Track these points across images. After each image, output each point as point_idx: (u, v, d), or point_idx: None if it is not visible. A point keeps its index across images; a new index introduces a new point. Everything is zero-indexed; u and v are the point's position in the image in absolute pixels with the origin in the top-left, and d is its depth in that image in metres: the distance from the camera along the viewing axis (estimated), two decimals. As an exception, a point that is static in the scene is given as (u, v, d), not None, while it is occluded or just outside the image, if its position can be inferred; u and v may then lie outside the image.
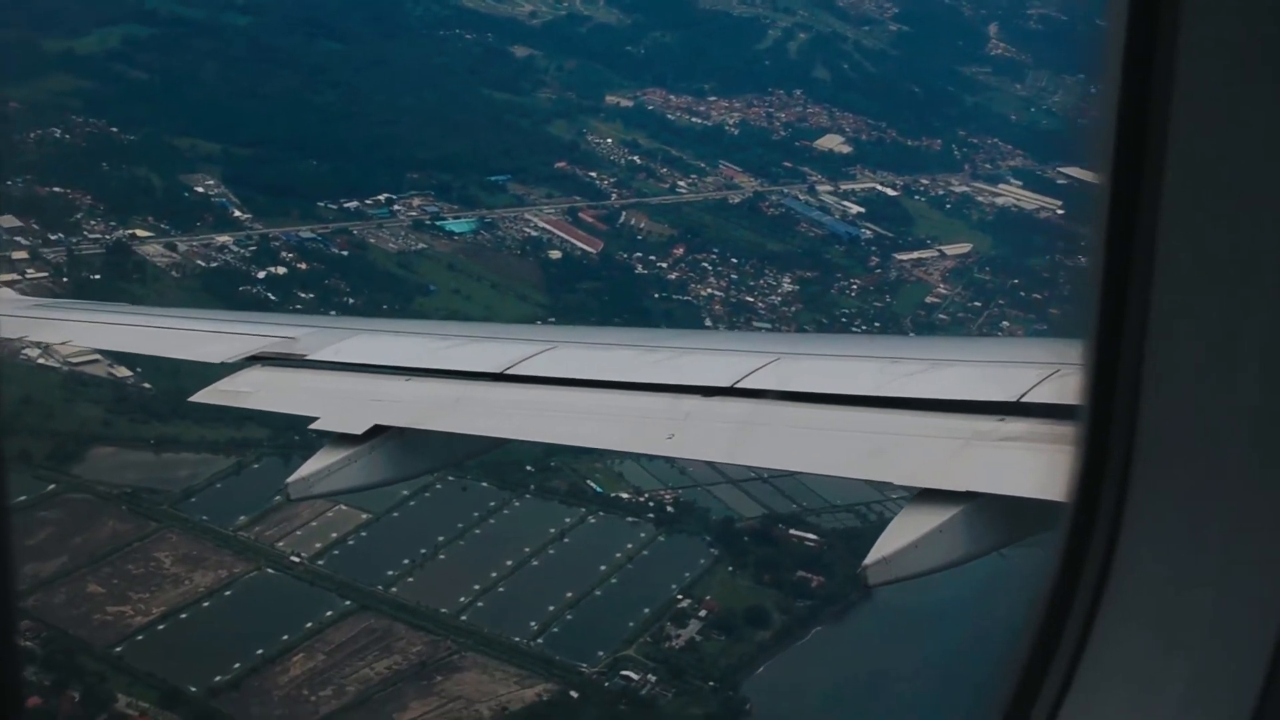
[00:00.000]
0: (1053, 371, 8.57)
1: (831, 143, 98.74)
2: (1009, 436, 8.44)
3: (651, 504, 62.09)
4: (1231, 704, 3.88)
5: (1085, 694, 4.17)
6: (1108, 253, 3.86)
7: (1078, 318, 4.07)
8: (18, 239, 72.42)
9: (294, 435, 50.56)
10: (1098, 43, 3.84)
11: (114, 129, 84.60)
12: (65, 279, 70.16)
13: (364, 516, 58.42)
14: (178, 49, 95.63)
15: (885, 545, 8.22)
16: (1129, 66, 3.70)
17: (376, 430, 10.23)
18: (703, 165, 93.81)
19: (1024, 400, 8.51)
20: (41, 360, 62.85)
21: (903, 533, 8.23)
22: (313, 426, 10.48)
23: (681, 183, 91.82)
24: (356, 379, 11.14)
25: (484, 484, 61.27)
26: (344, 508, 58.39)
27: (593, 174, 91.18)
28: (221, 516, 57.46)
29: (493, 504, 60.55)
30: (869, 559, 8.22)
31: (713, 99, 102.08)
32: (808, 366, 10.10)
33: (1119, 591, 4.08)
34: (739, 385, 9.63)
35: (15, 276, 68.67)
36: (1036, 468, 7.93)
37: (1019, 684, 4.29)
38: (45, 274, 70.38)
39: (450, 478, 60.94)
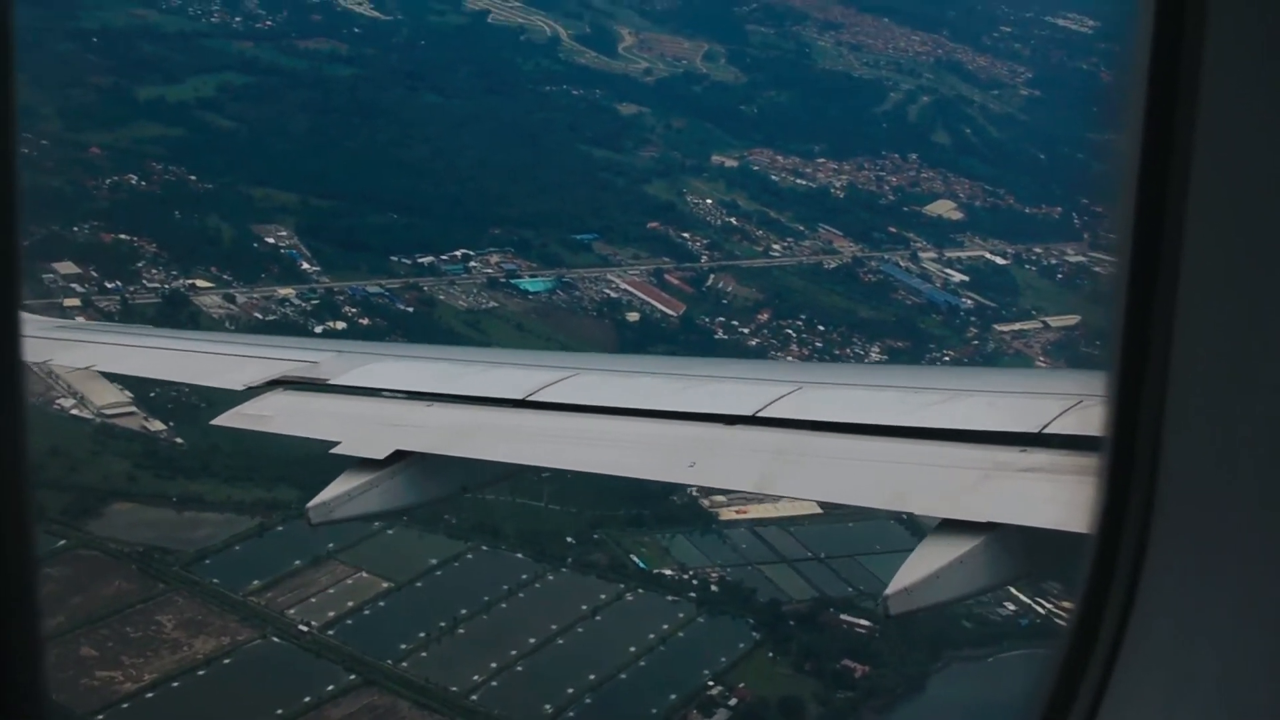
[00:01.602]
0: (1075, 403, 8.45)
1: (942, 208, 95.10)
2: (1031, 468, 8.36)
3: (695, 582, 58.61)
4: None
5: None
6: (1131, 281, 3.87)
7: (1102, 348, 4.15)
8: (73, 285, 71.17)
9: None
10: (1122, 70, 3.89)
11: (192, 177, 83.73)
12: (115, 328, 68.47)
13: (385, 585, 55.75)
14: (271, 99, 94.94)
15: (906, 576, 8.01)
16: (1153, 90, 3.71)
17: (398, 455, 10.09)
18: (801, 228, 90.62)
19: (1046, 431, 8.41)
20: (75, 411, 61.24)
21: (924, 563, 8.06)
22: (334, 451, 10.20)
23: (776, 246, 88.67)
24: (378, 404, 11.03)
25: (519, 555, 58.24)
26: (365, 575, 55.95)
27: (685, 235, 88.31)
28: (234, 580, 54.94)
29: (525, 576, 57.44)
30: (890, 589, 8.01)
31: (821, 160, 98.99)
32: (830, 396, 9.97)
33: (1144, 621, 4.09)
34: (761, 414, 9.57)
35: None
36: (1058, 499, 7.87)
37: (1045, 717, 4.31)
38: (95, 322, 68.68)
39: (484, 548, 58.24)
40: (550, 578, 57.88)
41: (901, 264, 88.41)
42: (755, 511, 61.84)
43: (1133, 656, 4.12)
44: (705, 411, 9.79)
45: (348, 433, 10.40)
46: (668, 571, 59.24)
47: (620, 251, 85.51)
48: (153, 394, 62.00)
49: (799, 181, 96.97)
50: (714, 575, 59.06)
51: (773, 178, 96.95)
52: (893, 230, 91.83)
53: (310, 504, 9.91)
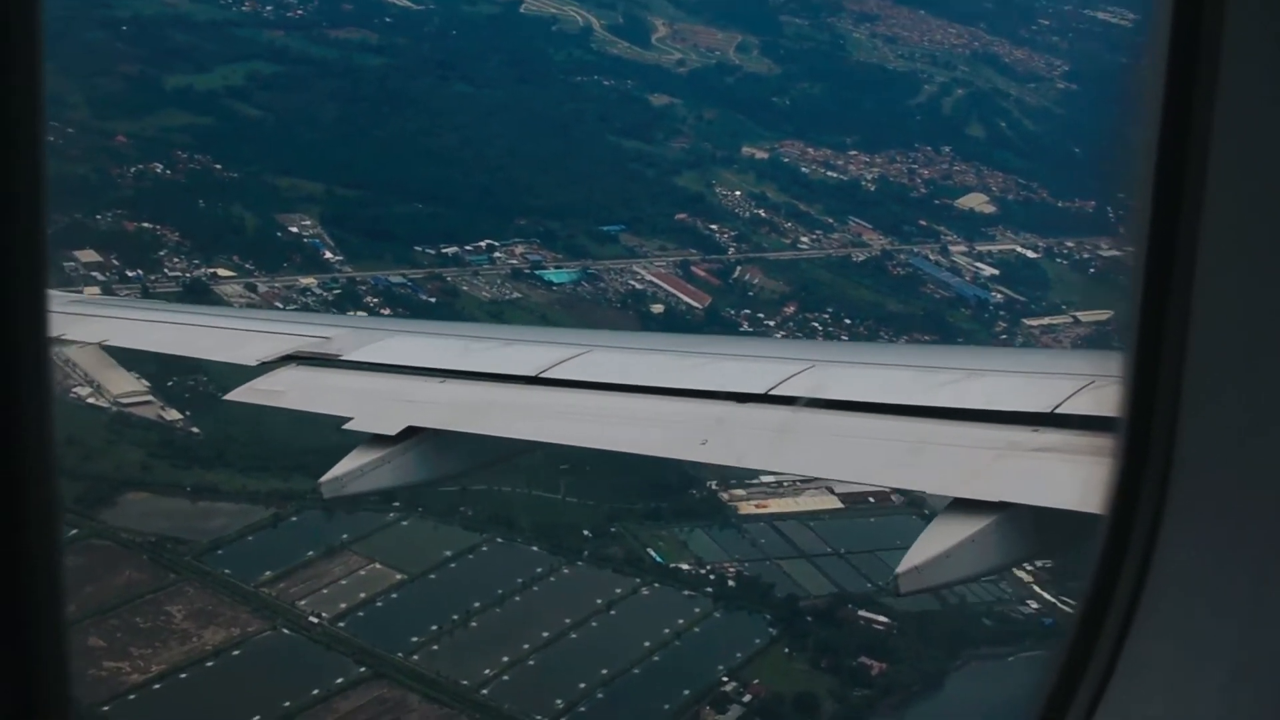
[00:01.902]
0: (1088, 383, 8.58)
1: (974, 201, 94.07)
2: (1043, 447, 8.47)
3: (713, 576, 57.94)
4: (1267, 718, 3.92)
5: (1117, 707, 4.18)
6: (1148, 262, 3.91)
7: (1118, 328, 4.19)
8: (94, 274, 70.74)
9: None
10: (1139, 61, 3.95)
11: (217, 166, 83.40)
12: (134, 316, 68.11)
13: (398, 577, 55.35)
14: (300, 88, 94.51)
15: (917, 554, 8.11)
16: (1172, 75, 3.74)
17: (410, 431, 10.16)
18: (831, 221, 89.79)
19: (1059, 411, 8.51)
20: (91, 399, 60.91)
21: (935, 542, 8.14)
22: (346, 426, 10.30)
23: (805, 238, 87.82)
24: (391, 380, 11.10)
25: (534, 548, 57.69)
26: (378, 566, 55.53)
27: (713, 227, 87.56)
28: (247, 571, 54.54)
29: (539, 570, 56.88)
30: (901, 568, 8.11)
31: (853, 153, 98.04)
32: (843, 374, 10.01)
33: (1154, 603, 4.11)
34: (773, 392, 9.63)
35: (82, 312, 66.79)
36: (1070, 479, 7.91)
37: (1052, 696, 4.31)
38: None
39: (499, 540, 57.76)
40: (565, 571, 57.32)
41: (931, 257, 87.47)
42: (775, 506, 61.29)
43: (1144, 636, 4.13)
44: (717, 389, 9.87)
45: (360, 408, 10.51)
46: (685, 566, 58.66)
47: (647, 243, 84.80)
48: (170, 383, 61.81)
49: (830, 174, 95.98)
50: (731, 570, 58.42)
51: (803, 170, 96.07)
52: (923, 223, 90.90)
53: (322, 479, 10.00)
